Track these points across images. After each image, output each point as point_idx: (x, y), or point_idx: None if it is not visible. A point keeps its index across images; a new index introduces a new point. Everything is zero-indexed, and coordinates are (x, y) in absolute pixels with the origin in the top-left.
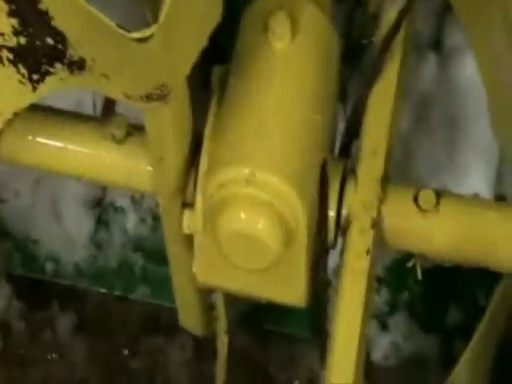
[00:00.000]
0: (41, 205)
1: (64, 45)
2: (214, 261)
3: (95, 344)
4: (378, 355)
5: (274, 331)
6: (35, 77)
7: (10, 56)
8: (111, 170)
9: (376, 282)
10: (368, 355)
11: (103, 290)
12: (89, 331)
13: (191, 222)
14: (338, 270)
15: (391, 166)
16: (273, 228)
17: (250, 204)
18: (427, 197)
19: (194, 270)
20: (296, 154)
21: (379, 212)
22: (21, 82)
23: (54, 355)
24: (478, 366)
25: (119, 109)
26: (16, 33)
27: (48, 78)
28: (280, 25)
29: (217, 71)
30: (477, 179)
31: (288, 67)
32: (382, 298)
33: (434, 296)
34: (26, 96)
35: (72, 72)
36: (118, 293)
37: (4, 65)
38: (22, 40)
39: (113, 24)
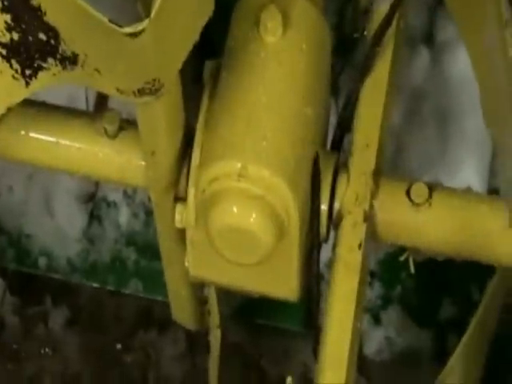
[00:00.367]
0: (33, 200)
1: (56, 40)
2: (206, 255)
3: (88, 338)
4: (370, 349)
5: (267, 325)
6: (28, 72)
7: (3, 52)
8: (104, 164)
9: (369, 275)
10: (361, 349)
11: (96, 285)
12: (82, 326)
13: (183, 216)
14: (331, 263)
15: (383, 160)
16: (265, 222)
17: (242, 198)
18: (420, 190)
19: (186, 264)
20: (288, 147)
21: (371, 206)
22: (14, 77)
23: (47, 350)
24: (471, 360)
25: (112, 104)
26: (9, 28)
27: (41, 74)
28: (271, 19)
29: (209, 65)
30: (469, 173)
31: (279, 61)
32: (374, 292)
33: (427, 290)
34: (18, 91)
35: (65, 67)
36: (110, 287)
37: None
38: (15, 36)
39: (105, 19)
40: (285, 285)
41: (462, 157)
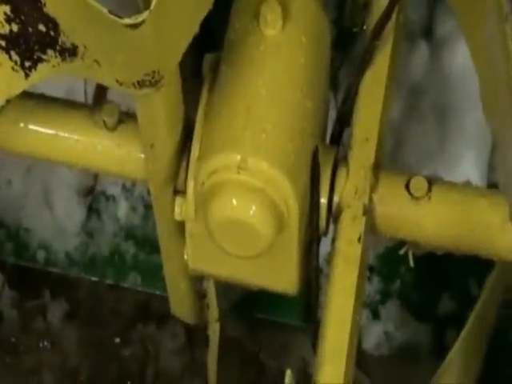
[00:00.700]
0: (32, 193)
1: (56, 32)
2: (205, 248)
3: (87, 332)
4: (369, 344)
5: (266, 319)
6: (27, 64)
7: (3, 43)
8: (103, 157)
9: (368, 270)
10: (359, 344)
11: (95, 279)
12: (80, 319)
13: (183, 208)
14: (330, 257)
15: (383, 153)
16: (264, 214)
17: (241, 190)
18: (419, 184)
19: (185, 257)
20: (287, 140)
21: (371, 199)
22: (13, 69)
23: (45, 343)
24: (470, 355)
25: (110, 97)
26: (8, 20)
27: (40, 65)
28: (271, 12)
29: (208, 58)
30: (468, 168)
31: (279, 54)
32: (373, 286)
33: (426, 284)
34: (18, 83)
35: (64, 59)
36: (109, 281)
37: None
38: (15, 27)
39: (105, 10)
40: (284, 278)
41: (461, 151)
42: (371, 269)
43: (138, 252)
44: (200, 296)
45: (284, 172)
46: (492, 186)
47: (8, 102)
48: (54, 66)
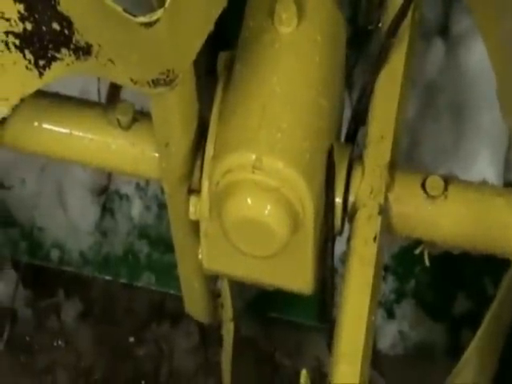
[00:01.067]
0: (46, 192)
1: (70, 30)
2: (220, 247)
3: (101, 331)
4: (384, 344)
5: (280, 319)
6: (41, 62)
7: (17, 42)
8: (117, 156)
9: (383, 269)
10: (374, 344)
11: (109, 278)
12: (94, 318)
13: (197, 208)
14: (345, 257)
15: (398, 152)
16: (280, 214)
17: (256, 190)
18: (435, 183)
19: (199, 256)
20: (302, 139)
21: (386, 198)
22: (27, 67)
23: (59, 342)
24: (486, 354)
25: (124, 96)
26: (22, 18)
27: (54, 64)
28: (286, 10)
29: (222, 57)
30: (484, 167)
31: (294, 52)
32: (388, 285)
33: (441, 284)
34: (32, 82)
35: (78, 58)
36: (123, 280)
37: (10, 51)
38: (28, 26)
39: (119, 8)
40: (299, 277)
41: (477, 150)
42: (386, 268)
43: (152, 251)
44: (214, 295)
45: (299, 171)
46: (508, 184)
47: (22, 100)
48: (68, 64)
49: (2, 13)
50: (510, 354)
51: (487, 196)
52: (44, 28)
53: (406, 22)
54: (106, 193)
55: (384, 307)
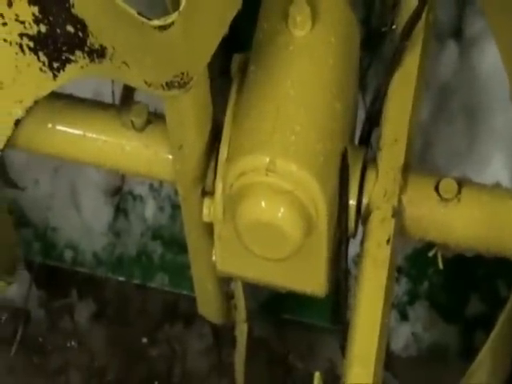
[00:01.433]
0: (60, 193)
1: (84, 33)
2: (233, 249)
3: (114, 332)
4: (397, 345)
5: (293, 320)
6: (56, 65)
7: (31, 44)
8: (131, 157)
9: (396, 271)
10: (387, 345)
11: (122, 278)
12: (108, 319)
13: (211, 210)
14: (359, 259)
15: (412, 155)
16: (293, 217)
17: (270, 192)
18: (449, 186)
19: (213, 258)
20: (317, 142)
21: (400, 201)
22: (41, 69)
23: (73, 343)
24: (499, 356)
25: (137, 97)
26: (36, 21)
27: (68, 66)
28: (300, 12)
29: (236, 59)
30: (498, 169)
31: (308, 54)
32: (401, 287)
33: (454, 286)
34: (46, 84)
35: (92, 60)
36: (136, 281)
37: (25, 53)
38: (43, 28)
39: (134, 11)
40: (313, 280)
41: (490, 152)
42: (399, 270)
43: (166, 252)
44: (227, 297)
45: (313, 174)
46: None
47: (36, 102)
48: (82, 66)
49: (17, 15)
50: None
51: (500, 199)
52: (58, 30)
53: (420, 24)
54: (120, 193)
55: (397, 309)
